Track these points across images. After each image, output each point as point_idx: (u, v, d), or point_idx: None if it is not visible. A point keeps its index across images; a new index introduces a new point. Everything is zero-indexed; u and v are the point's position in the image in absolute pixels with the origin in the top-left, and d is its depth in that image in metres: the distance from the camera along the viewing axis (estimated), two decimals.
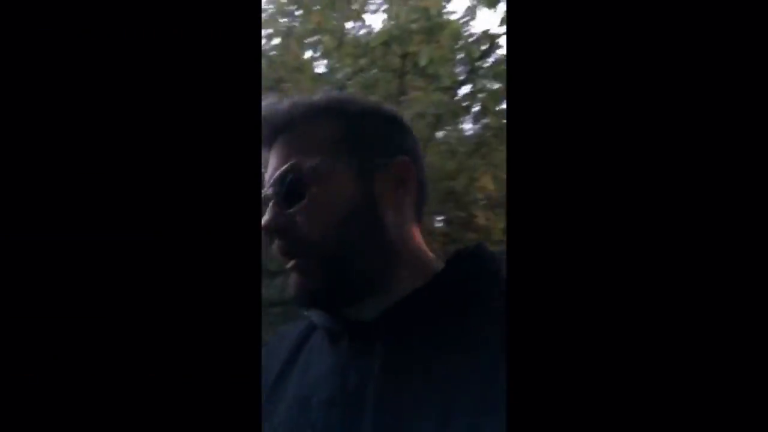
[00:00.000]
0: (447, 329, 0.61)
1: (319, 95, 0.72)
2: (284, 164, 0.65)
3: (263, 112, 0.66)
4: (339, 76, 4.14)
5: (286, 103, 0.70)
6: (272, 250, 0.65)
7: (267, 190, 0.65)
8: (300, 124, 0.68)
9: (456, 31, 3.82)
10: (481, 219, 3.66)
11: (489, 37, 3.83)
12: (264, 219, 0.63)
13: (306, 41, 4.05)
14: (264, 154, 0.68)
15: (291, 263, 0.64)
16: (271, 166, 0.67)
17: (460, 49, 3.93)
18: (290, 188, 0.64)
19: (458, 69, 4.06)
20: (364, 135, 0.68)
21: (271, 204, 0.64)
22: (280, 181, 0.64)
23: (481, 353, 0.58)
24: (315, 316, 0.70)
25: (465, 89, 4.12)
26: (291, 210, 0.63)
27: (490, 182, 3.72)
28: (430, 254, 0.70)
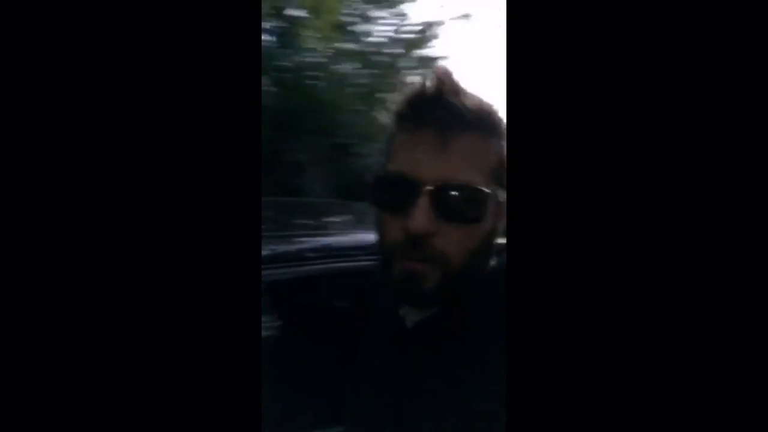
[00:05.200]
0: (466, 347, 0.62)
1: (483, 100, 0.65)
2: (462, 172, 0.59)
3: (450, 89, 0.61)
4: None
5: (477, 99, 0.63)
6: (392, 241, 0.61)
7: (426, 191, 0.58)
8: (480, 129, 0.62)
9: None
10: None
11: None
12: (417, 222, 0.58)
13: None
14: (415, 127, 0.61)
15: (411, 265, 0.60)
16: (440, 157, 0.60)
17: None
18: (462, 206, 0.59)
19: None
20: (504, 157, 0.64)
21: (428, 206, 0.58)
22: (454, 193, 0.59)
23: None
24: (388, 314, 0.69)
25: None
26: (450, 225, 0.59)
27: None
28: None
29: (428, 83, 0.62)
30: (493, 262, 0.67)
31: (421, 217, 0.58)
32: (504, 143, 0.64)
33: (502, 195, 0.63)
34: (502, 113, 0.65)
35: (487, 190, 0.60)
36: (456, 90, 0.62)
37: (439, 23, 5.39)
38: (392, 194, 0.62)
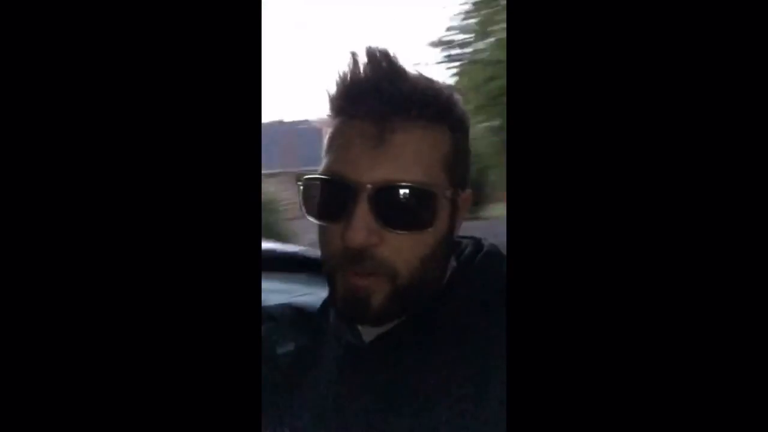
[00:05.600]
0: (449, 347, 0.55)
1: (441, 83, 0.57)
2: (404, 171, 0.51)
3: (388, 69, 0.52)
4: None
5: (436, 83, 0.55)
6: (330, 253, 0.54)
7: (363, 195, 0.50)
8: (433, 121, 0.54)
9: None
10: None
11: None
12: (354, 232, 0.50)
13: None
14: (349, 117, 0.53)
15: (354, 280, 0.53)
16: (379, 154, 0.51)
17: None
18: (406, 211, 0.52)
19: None
20: (464, 148, 0.58)
21: (366, 213, 0.50)
22: (396, 196, 0.51)
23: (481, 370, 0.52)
24: (338, 326, 0.61)
25: None
26: (394, 233, 0.52)
27: None
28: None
29: (363, 67, 0.53)
30: (450, 267, 0.61)
31: (358, 226, 0.50)
32: (459, 132, 0.57)
33: (456, 194, 0.56)
34: (456, 97, 0.57)
35: (435, 191, 0.53)
36: (397, 74, 0.53)
37: None
38: (327, 198, 0.53)
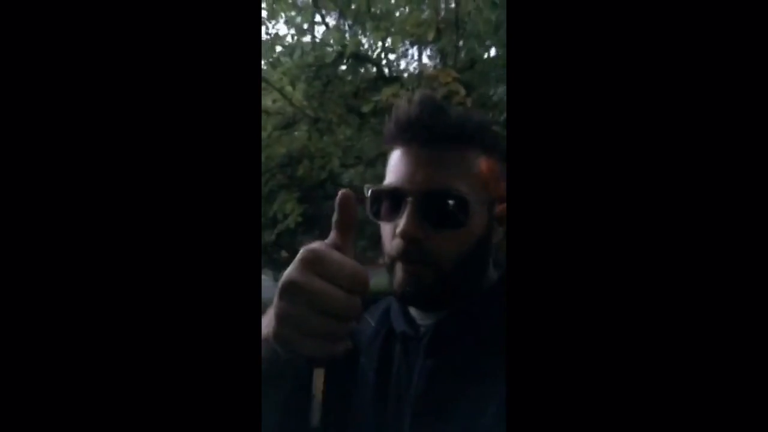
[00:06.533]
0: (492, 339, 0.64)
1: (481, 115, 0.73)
2: (443, 181, 0.66)
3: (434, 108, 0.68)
4: None
5: (471, 114, 0.72)
6: (389, 247, 0.68)
7: (412, 200, 0.65)
8: (467, 144, 0.69)
9: None
10: None
11: None
12: (405, 227, 0.65)
13: None
14: (408, 145, 0.69)
15: (406, 266, 0.67)
16: (424, 170, 0.67)
17: None
18: (444, 212, 0.66)
19: None
20: (497, 166, 0.71)
21: (414, 213, 0.65)
22: (436, 200, 0.66)
23: None
24: (396, 319, 0.74)
25: None
26: (436, 230, 0.66)
27: None
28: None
29: (412, 106, 0.70)
30: (492, 269, 0.74)
31: (408, 222, 0.65)
32: (491, 153, 0.71)
33: (492, 204, 0.70)
34: (494, 127, 0.73)
35: (468, 198, 0.67)
36: (438, 110, 0.70)
37: None
38: (387, 204, 0.69)
